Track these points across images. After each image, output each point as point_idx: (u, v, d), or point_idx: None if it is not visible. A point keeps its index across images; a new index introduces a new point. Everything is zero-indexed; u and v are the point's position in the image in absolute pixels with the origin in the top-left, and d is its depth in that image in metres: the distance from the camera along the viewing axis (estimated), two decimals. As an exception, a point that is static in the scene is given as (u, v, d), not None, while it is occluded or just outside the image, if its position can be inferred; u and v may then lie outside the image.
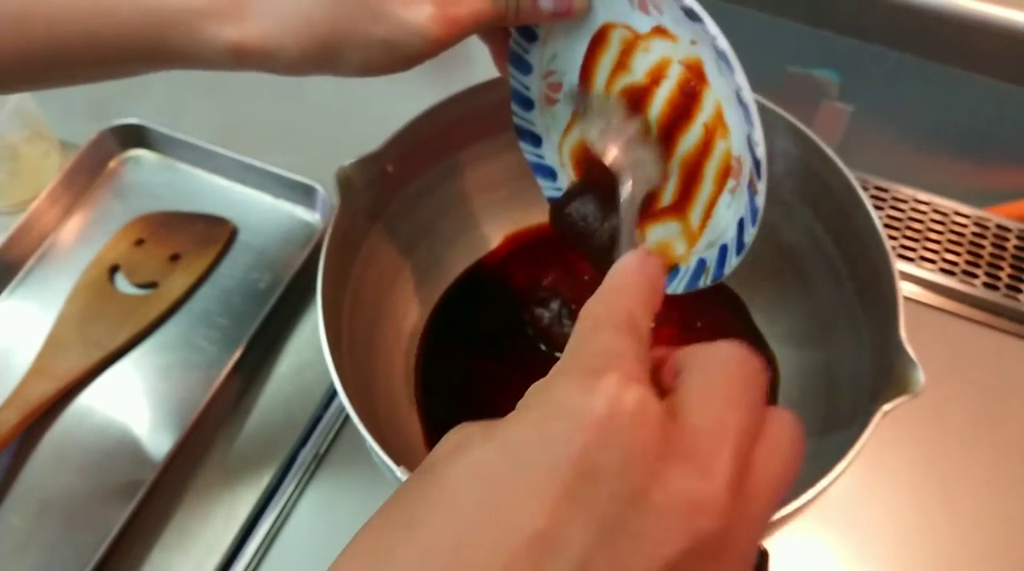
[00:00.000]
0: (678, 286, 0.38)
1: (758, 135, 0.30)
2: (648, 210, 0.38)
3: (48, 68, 0.34)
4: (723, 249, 0.35)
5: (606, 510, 0.18)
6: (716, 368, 0.22)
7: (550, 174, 0.42)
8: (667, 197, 0.37)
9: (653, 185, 0.37)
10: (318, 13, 0.31)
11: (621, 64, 0.35)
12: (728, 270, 0.35)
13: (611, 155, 0.36)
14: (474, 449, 0.20)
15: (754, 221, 0.32)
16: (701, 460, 0.19)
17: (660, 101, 0.34)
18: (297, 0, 0.31)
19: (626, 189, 0.36)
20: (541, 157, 0.41)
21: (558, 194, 0.41)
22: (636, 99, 0.35)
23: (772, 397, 0.47)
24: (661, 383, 0.22)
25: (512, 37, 0.37)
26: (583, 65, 0.36)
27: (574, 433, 0.19)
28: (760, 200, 0.32)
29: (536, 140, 0.41)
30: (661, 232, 0.38)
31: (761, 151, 0.30)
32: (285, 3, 0.31)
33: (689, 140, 0.34)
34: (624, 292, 0.24)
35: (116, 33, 0.32)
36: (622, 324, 0.22)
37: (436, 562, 0.18)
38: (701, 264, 0.36)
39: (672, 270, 0.38)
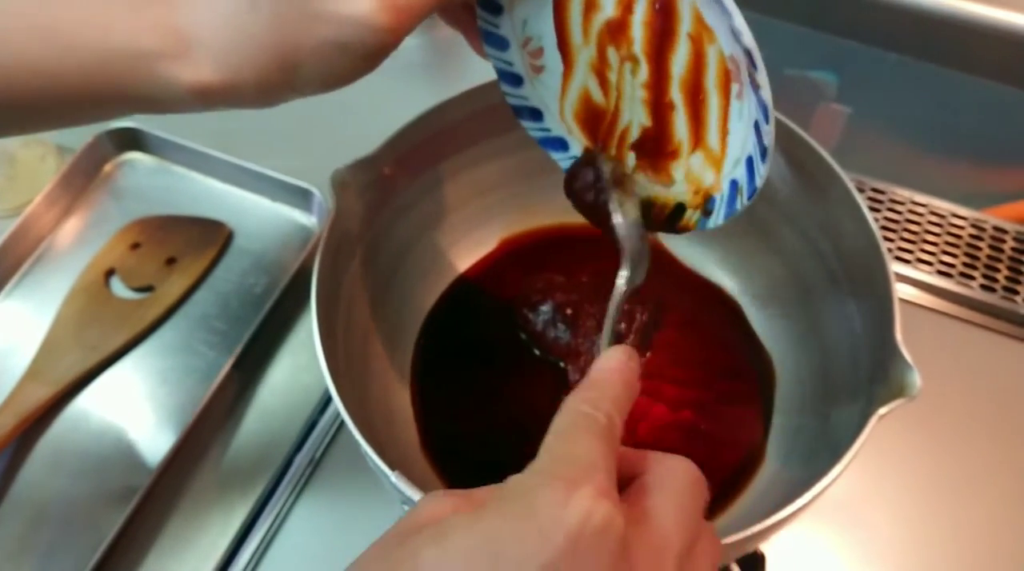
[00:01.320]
0: (718, 218, 0.36)
1: (739, 22, 0.29)
2: (664, 150, 0.36)
3: (9, 115, 0.33)
4: (749, 161, 0.34)
5: None
6: (675, 487, 0.25)
7: (561, 145, 0.40)
8: (679, 130, 0.35)
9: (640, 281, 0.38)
10: (263, 31, 0.31)
11: (590, 4, 0.34)
12: (760, 182, 0.33)
13: (618, 221, 0.37)
14: (452, 538, 0.22)
15: (767, 118, 0.31)
16: (659, 557, 0.23)
17: (639, 28, 0.33)
18: (239, 26, 0.31)
19: (622, 280, 0.36)
20: (547, 130, 0.40)
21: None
22: (616, 34, 0.34)
23: (768, 401, 0.47)
24: (620, 473, 0.25)
25: (478, 15, 0.36)
26: (556, 20, 0.35)
27: (547, 543, 0.21)
28: (765, 94, 0.30)
29: (536, 114, 0.40)
30: (686, 167, 0.36)
31: (747, 39, 0.29)
32: (229, 31, 0.31)
33: (680, 59, 0.33)
34: (605, 393, 0.26)
35: (79, 81, 0.32)
36: (602, 430, 0.25)
37: None
38: (733, 186, 0.35)
39: (708, 201, 0.36)
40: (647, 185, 0.38)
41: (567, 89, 0.38)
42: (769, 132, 0.31)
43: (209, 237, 0.57)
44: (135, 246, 0.57)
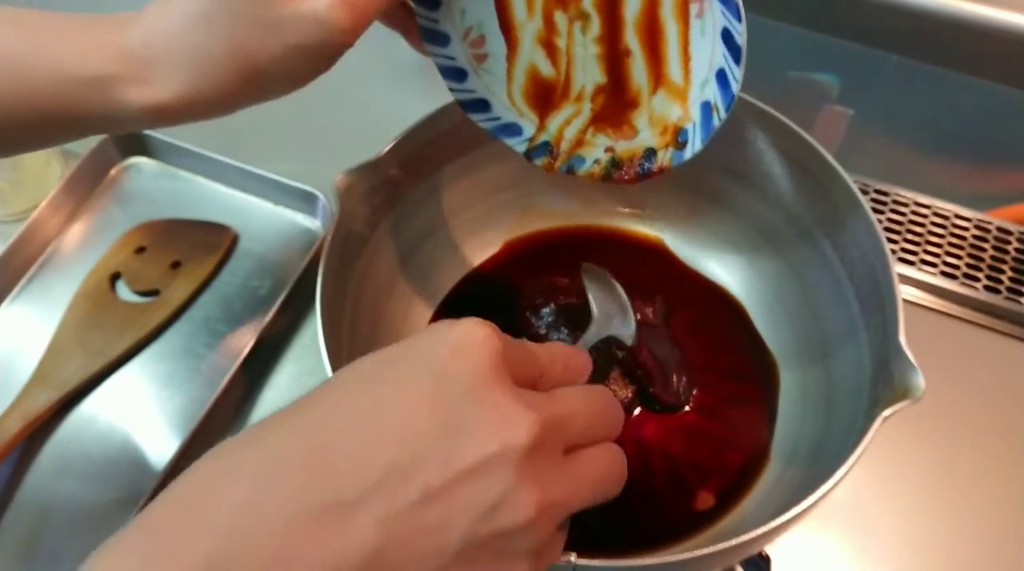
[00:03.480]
0: (694, 145, 0.36)
1: None
2: (622, 100, 0.37)
3: None
4: (720, 74, 0.34)
5: (452, 408, 0.24)
6: (586, 389, 0.29)
7: (514, 130, 0.40)
8: (637, 76, 0.36)
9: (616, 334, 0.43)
10: (220, 46, 0.30)
11: None
12: (736, 87, 0.33)
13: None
14: (360, 361, 0.27)
15: (738, 16, 0.31)
16: (536, 397, 0.26)
17: None
18: (194, 44, 0.30)
19: (593, 327, 0.41)
20: (497, 118, 0.40)
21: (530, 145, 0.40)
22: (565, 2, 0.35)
23: (773, 403, 0.47)
24: None
25: (416, 12, 0.36)
26: (498, 3, 0.36)
27: (435, 349, 0.26)
28: None
29: (484, 105, 0.39)
30: (648, 112, 0.37)
31: None
32: (184, 50, 0.30)
33: (633, 1, 0.34)
34: (547, 351, 0.30)
35: (30, 105, 0.32)
36: (530, 350, 0.28)
37: (325, 430, 0.24)
38: (706, 107, 0.35)
39: (680, 134, 0.36)
40: (609, 142, 0.39)
41: (513, 72, 0.38)
42: (741, 32, 0.32)
43: (214, 241, 0.57)
44: (140, 250, 0.57)
